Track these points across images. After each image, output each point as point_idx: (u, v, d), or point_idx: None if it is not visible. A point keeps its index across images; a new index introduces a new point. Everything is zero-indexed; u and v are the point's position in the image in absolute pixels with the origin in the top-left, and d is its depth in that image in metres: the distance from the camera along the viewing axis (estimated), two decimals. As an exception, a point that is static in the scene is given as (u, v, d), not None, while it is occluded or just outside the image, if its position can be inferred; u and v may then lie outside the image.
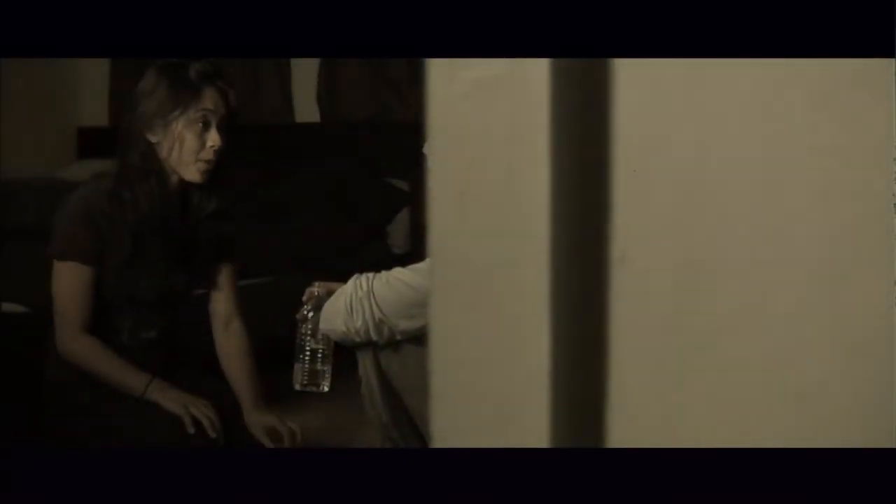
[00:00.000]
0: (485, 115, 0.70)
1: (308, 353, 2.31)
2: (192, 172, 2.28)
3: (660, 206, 0.67)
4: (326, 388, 2.32)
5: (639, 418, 0.69)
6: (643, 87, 0.68)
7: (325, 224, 4.29)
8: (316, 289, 2.28)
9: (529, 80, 0.68)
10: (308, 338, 2.30)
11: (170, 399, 2.26)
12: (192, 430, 2.21)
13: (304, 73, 5.10)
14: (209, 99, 2.27)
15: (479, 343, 0.72)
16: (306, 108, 5.14)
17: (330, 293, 2.21)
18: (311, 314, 2.27)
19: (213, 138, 2.26)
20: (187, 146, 2.26)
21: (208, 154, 2.27)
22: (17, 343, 2.74)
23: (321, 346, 2.31)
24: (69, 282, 2.31)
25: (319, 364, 2.31)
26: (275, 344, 2.50)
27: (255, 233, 3.99)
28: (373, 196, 4.48)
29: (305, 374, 2.31)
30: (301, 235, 4.16)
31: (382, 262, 4.07)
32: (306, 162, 4.69)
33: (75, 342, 2.32)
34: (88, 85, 5.55)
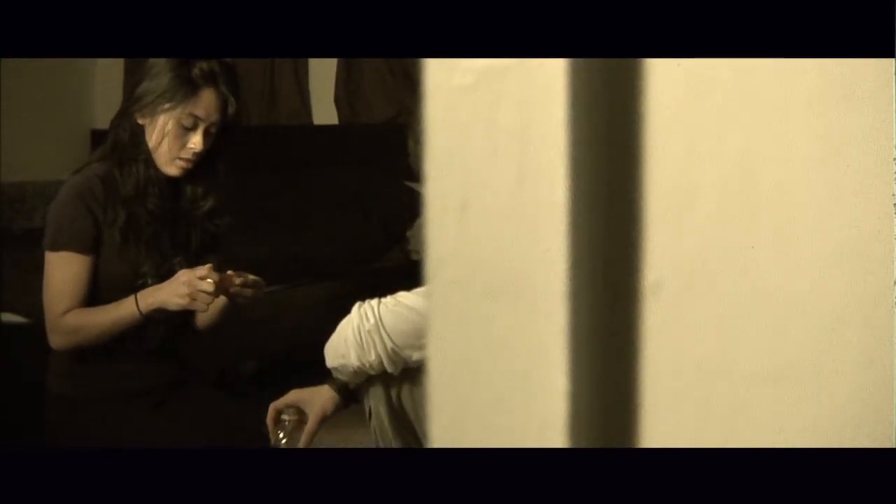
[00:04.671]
0: (491, 111, 0.60)
1: None
2: (170, 168, 2.28)
3: (700, 224, 0.57)
4: None
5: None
6: (677, 78, 0.58)
7: (343, 229, 4.23)
8: (285, 416, 2.08)
9: (544, 70, 0.58)
10: None
11: (166, 296, 2.18)
12: (204, 309, 2.17)
13: (322, 75, 5.07)
14: (203, 103, 2.26)
15: (484, 384, 0.61)
16: (324, 110, 5.10)
17: (300, 418, 2.05)
18: (284, 440, 2.08)
19: (195, 141, 2.26)
20: (170, 142, 2.25)
21: (187, 154, 2.27)
22: (19, 356, 2.67)
23: None
24: (62, 272, 2.24)
25: None
26: (290, 352, 2.42)
27: (271, 238, 3.93)
28: (392, 200, 4.42)
29: None
30: (319, 240, 4.09)
31: (402, 268, 4.02)
32: (324, 165, 4.64)
33: (61, 322, 2.24)
34: (102, 86, 5.53)
